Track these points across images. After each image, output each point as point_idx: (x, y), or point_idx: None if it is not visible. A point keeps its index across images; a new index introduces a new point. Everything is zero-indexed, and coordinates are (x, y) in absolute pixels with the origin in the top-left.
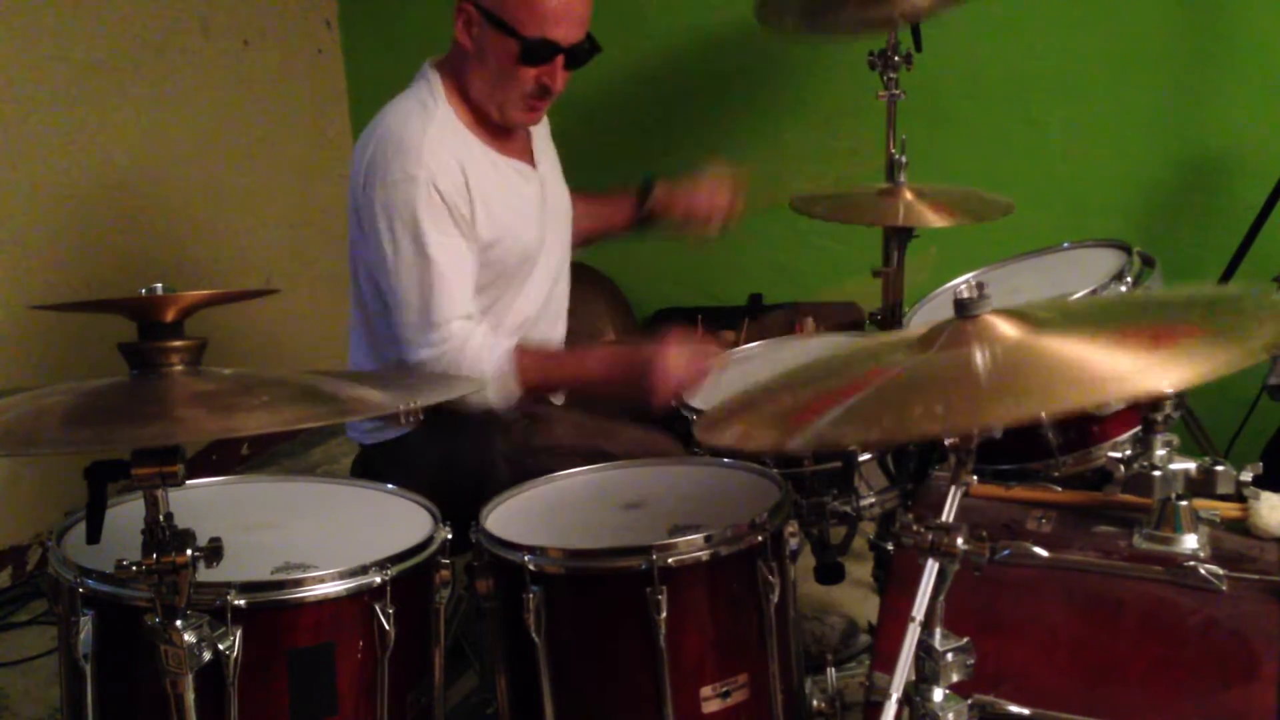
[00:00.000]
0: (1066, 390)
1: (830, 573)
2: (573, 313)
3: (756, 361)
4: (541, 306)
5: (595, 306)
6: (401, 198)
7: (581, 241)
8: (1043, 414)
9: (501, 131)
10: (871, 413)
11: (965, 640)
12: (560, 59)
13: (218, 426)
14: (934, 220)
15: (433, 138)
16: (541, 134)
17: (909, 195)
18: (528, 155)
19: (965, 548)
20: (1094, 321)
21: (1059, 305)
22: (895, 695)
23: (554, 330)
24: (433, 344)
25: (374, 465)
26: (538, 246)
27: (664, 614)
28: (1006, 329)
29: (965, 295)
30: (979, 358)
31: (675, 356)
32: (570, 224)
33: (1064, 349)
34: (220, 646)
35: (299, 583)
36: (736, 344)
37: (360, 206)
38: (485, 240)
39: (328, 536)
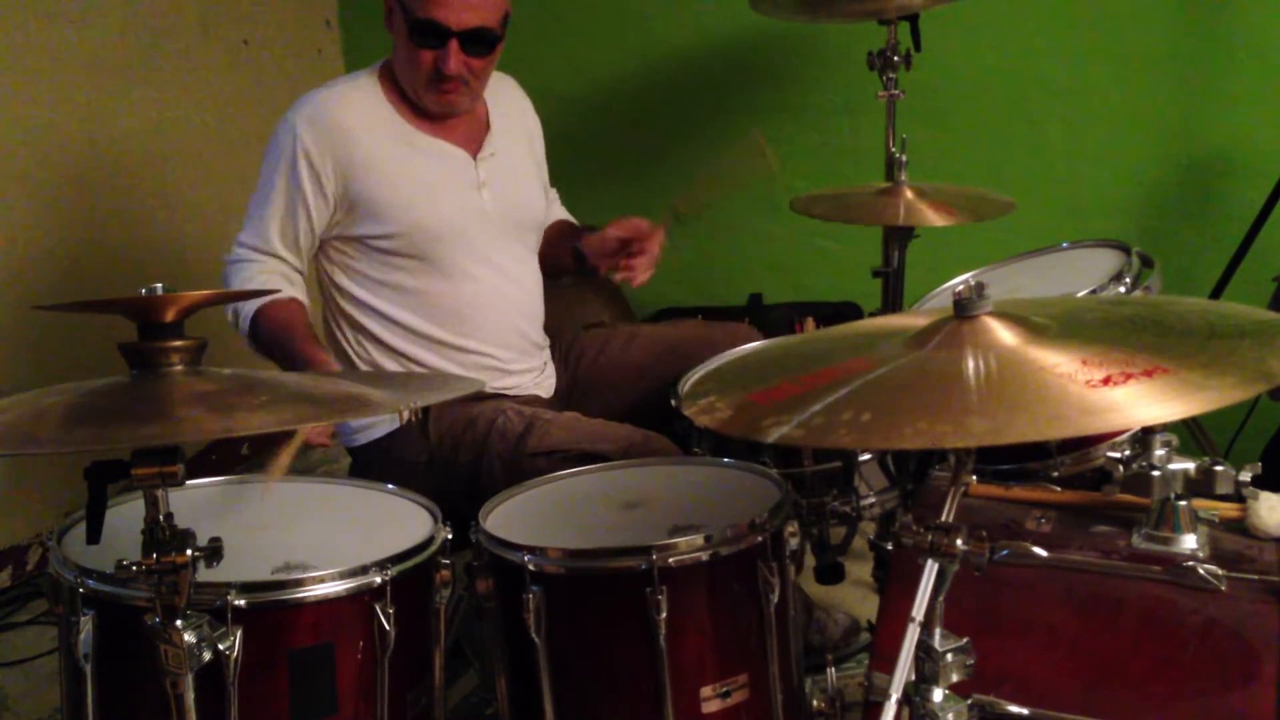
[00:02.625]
0: (1053, 421)
1: (830, 573)
2: (572, 313)
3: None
4: (482, 300)
5: (595, 306)
6: (276, 139)
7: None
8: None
9: (435, 116)
10: (875, 416)
11: (965, 640)
12: (454, 42)
13: (218, 426)
14: (934, 219)
15: (324, 96)
16: (511, 137)
17: (909, 194)
18: (470, 144)
19: (965, 548)
20: (1090, 337)
21: (1058, 306)
22: (895, 695)
23: (505, 329)
24: (234, 253)
25: (366, 468)
26: (458, 228)
27: (664, 614)
28: (1003, 334)
29: (964, 295)
30: (971, 367)
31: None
32: (537, 229)
33: (1057, 368)
34: (220, 646)
35: (299, 583)
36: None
37: None
38: (356, 198)
39: (328, 536)
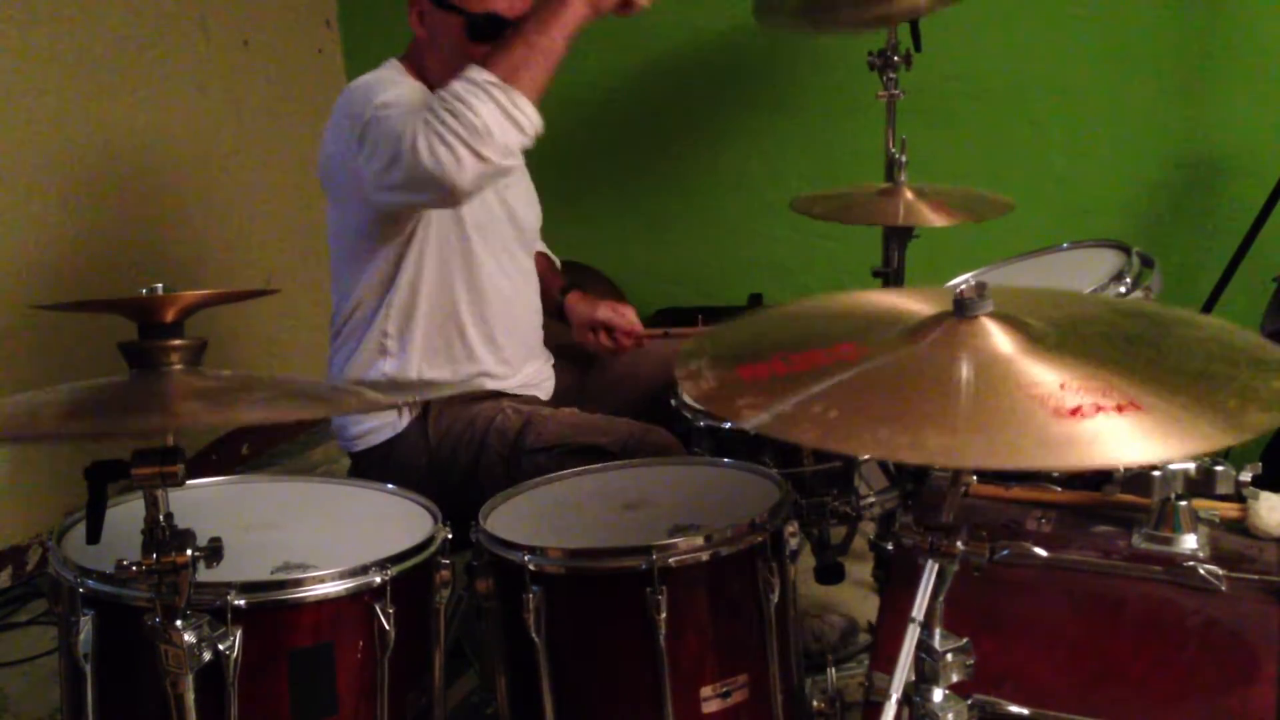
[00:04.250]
0: (1010, 450)
1: (830, 573)
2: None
3: None
4: (495, 300)
5: None
6: (397, 89)
7: None
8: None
9: None
10: (841, 414)
11: (965, 640)
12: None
13: (217, 419)
14: (934, 220)
15: (390, 81)
16: None
17: (909, 195)
18: None
19: (965, 548)
20: (1081, 353)
21: (1065, 308)
22: (895, 695)
23: (528, 316)
24: (425, 120)
25: (366, 474)
26: (479, 219)
27: (664, 614)
28: (999, 340)
29: (965, 295)
30: (965, 373)
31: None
32: (535, 234)
33: (1034, 389)
34: (220, 646)
35: (299, 583)
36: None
37: (329, 169)
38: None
39: (328, 536)
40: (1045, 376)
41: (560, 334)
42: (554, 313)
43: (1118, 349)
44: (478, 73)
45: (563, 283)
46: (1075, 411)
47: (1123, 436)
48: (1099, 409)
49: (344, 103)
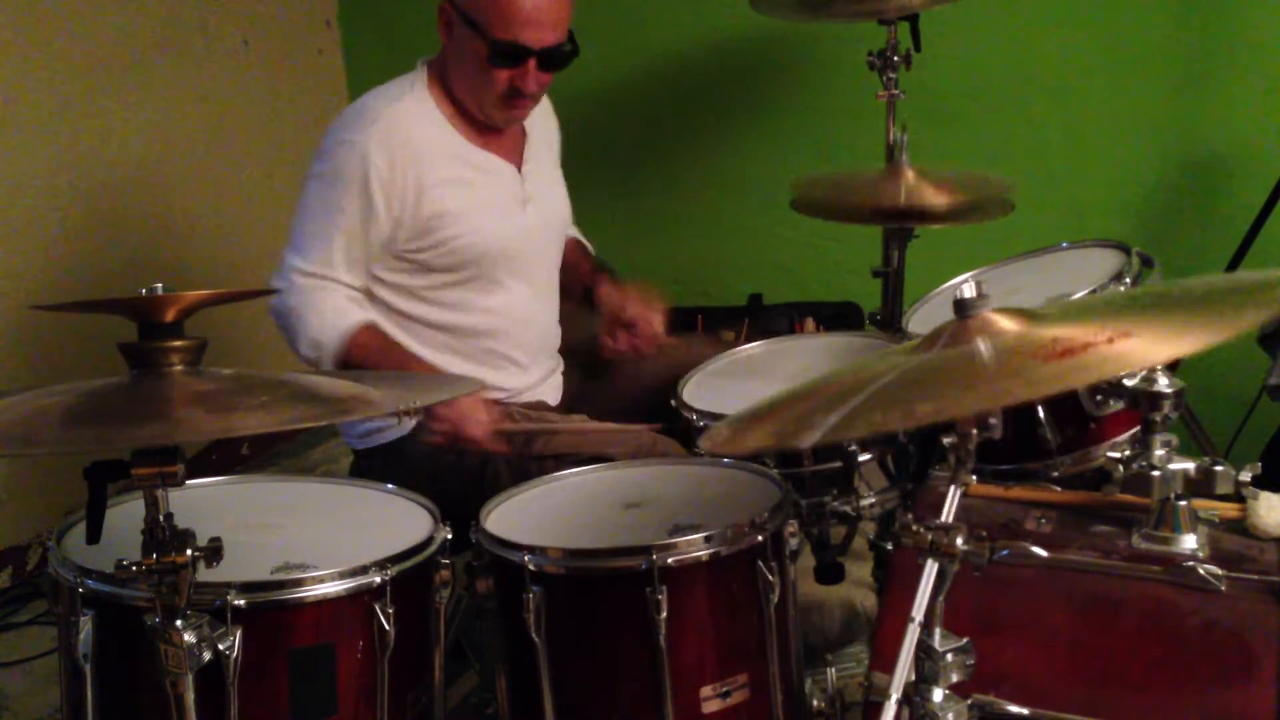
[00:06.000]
0: (1069, 370)
1: (830, 573)
2: (571, 318)
3: (759, 361)
4: (515, 320)
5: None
6: (335, 159)
7: None
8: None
9: (485, 129)
10: (877, 407)
11: (965, 640)
12: (532, 61)
13: (217, 426)
14: (935, 200)
15: (392, 113)
16: (541, 144)
17: (910, 176)
18: (513, 157)
19: (965, 548)
20: (1092, 315)
21: (1057, 304)
22: (895, 695)
23: (534, 338)
24: (291, 280)
25: (370, 471)
26: (507, 247)
27: (664, 614)
28: (1006, 324)
29: (964, 295)
30: (982, 346)
31: (462, 407)
32: (563, 242)
33: (1023, 349)
34: (220, 646)
35: (299, 583)
36: (736, 343)
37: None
38: (426, 219)
39: (328, 536)
40: (1041, 336)
41: (569, 334)
42: (579, 298)
43: (1119, 304)
44: (338, 348)
45: (592, 265)
46: (1065, 353)
47: (1109, 359)
48: (1089, 346)
49: (330, 129)
